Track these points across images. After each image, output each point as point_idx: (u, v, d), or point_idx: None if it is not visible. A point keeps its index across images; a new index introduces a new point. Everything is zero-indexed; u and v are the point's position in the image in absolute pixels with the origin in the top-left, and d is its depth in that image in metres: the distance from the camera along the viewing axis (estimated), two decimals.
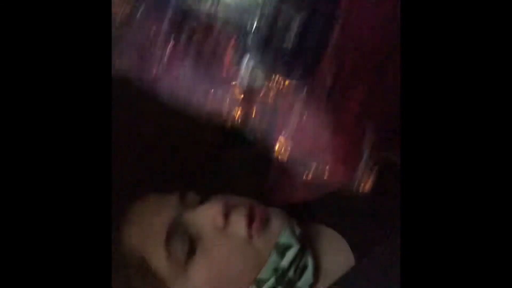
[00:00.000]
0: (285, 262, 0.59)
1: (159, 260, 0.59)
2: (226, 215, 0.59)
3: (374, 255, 0.60)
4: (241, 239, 0.58)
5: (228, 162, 0.87)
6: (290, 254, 0.59)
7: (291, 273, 0.59)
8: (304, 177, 0.55)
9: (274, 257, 0.59)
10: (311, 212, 0.69)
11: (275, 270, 0.59)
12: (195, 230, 0.59)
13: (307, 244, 0.62)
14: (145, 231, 0.60)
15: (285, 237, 0.60)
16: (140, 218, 0.61)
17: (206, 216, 0.59)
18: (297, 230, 0.61)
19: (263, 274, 0.59)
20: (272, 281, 0.59)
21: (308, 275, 0.61)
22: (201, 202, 0.62)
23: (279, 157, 0.55)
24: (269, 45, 0.47)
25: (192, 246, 0.58)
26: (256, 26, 0.46)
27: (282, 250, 0.59)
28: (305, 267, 0.61)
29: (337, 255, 0.63)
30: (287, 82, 0.51)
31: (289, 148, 0.64)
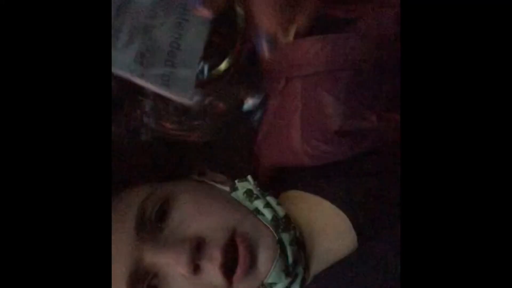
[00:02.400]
0: None
1: None
2: (197, 269, 0.49)
3: (376, 243, 0.53)
4: (217, 286, 0.50)
5: None
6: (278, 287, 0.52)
7: None
8: None
9: None
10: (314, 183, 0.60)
11: None
12: (159, 272, 0.51)
13: (300, 250, 0.54)
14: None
15: (272, 277, 0.51)
16: None
17: (170, 263, 0.49)
18: (290, 259, 0.52)
19: None
20: None
21: (297, 284, 0.54)
22: (161, 219, 0.52)
23: None
24: None
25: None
26: None
27: (268, 286, 0.52)
28: (295, 276, 0.54)
29: (337, 235, 0.55)
30: None
31: None
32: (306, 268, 0.54)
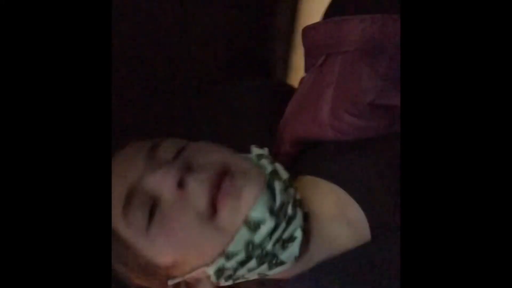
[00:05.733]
0: (257, 237, 0.51)
1: (119, 224, 0.53)
2: (182, 184, 0.51)
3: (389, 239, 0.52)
4: (201, 213, 0.51)
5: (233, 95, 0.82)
6: (263, 230, 0.51)
7: (269, 246, 0.52)
8: None
9: (243, 232, 0.51)
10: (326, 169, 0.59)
11: (246, 244, 0.51)
12: (155, 194, 0.52)
13: (299, 212, 0.53)
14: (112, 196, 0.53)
15: (257, 212, 0.51)
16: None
17: (162, 182, 0.51)
18: (278, 201, 0.52)
19: (231, 247, 0.52)
20: (242, 255, 0.52)
21: (293, 248, 0.53)
22: (175, 157, 0.53)
23: None
24: None
25: (151, 211, 0.52)
26: None
27: (253, 226, 0.51)
28: (291, 239, 0.53)
29: (347, 222, 0.55)
30: None
31: None
32: (306, 236, 0.54)
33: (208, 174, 0.51)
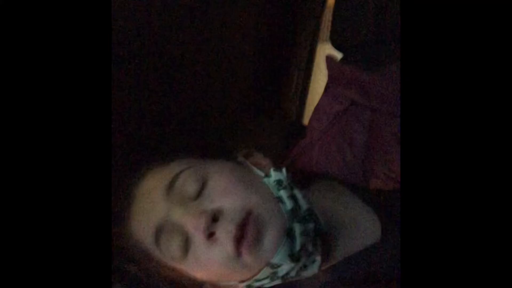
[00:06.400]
0: (280, 272, 0.57)
1: (154, 252, 0.59)
2: (211, 236, 0.55)
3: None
4: (229, 254, 0.55)
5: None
6: (284, 268, 0.57)
7: (292, 274, 0.58)
8: None
9: (267, 269, 0.57)
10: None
11: (271, 275, 0.58)
12: (185, 229, 0.57)
13: (317, 240, 0.58)
14: (140, 229, 0.59)
15: (278, 258, 0.56)
16: (136, 212, 0.59)
17: (190, 225, 0.56)
18: (297, 246, 0.56)
19: (258, 277, 0.58)
20: (268, 280, 0.59)
21: (313, 269, 0.59)
22: (196, 194, 0.57)
23: None
24: None
25: (184, 243, 0.57)
26: None
27: (275, 266, 0.57)
28: (311, 263, 0.58)
29: (363, 229, 0.61)
30: None
31: None
32: (325, 256, 0.59)
33: (234, 224, 0.55)
